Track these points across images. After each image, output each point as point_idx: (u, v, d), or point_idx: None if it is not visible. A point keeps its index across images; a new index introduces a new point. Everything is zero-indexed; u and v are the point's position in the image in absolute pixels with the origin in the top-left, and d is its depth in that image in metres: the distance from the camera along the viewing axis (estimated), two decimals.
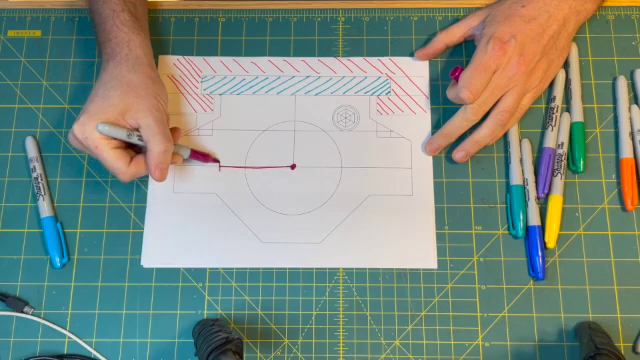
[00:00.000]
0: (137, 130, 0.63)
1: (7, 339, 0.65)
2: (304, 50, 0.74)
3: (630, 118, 0.70)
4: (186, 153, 0.67)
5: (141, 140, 0.63)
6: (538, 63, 0.67)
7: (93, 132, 0.61)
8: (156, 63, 0.73)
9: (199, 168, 0.70)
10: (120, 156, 0.62)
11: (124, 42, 0.67)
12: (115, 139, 0.63)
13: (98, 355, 0.65)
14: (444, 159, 0.70)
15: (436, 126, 0.71)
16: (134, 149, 0.65)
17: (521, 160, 0.69)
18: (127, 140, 0.63)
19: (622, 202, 0.68)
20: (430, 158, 0.70)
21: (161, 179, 0.63)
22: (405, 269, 0.67)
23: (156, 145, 0.62)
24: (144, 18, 0.72)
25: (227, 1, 0.77)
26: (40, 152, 0.71)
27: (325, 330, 0.65)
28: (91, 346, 0.65)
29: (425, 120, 0.72)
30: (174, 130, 0.68)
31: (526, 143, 0.70)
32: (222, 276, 0.67)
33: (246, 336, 0.65)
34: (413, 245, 0.67)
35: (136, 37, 0.67)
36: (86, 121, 0.62)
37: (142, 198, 0.69)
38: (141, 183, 0.70)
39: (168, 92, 0.72)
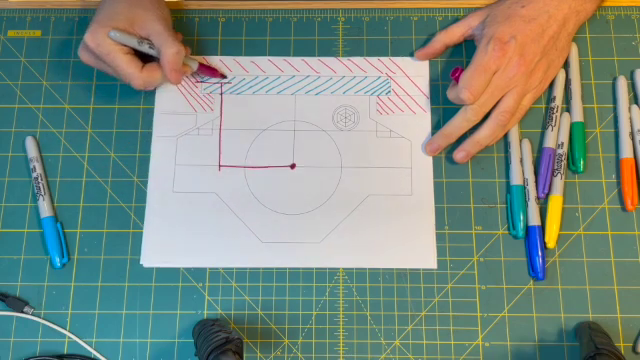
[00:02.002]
0: (146, 39, 0.66)
1: (7, 339, 0.65)
2: (304, 50, 0.74)
3: (630, 118, 0.70)
4: (194, 65, 0.70)
5: (152, 48, 0.67)
6: (538, 63, 0.67)
7: (105, 39, 0.65)
8: None
9: (199, 167, 0.70)
10: (133, 61, 0.66)
11: None
12: (126, 46, 0.66)
13: (98, 355, 0.65)
14: (444, 159, 0.70)
15: (436, 126, 0.71)
16: (143, 60, 0.68)
17: (521, 160, 0.69)
18: (138, 47, 0.66)
19: (622, 202, 0.68)
20: (430, 158, 0.70)
21: (176, 81, 0.67)
22: (405, 269, 0.67)
23: (169, 48, 0.65)
24: None
25: (227, 1, 0.77)
26: (40, 152, 0.71)
27: (325, 330, 0.65)
28: (91, 346, 0.65)
29: (425, 120, 0.72)
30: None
31: (526, 143, 0.70)
32: (222, 276, 0.67)
33: (246, 336, 0.65)
34: (413, 245, 0.67)
35: None
36: (97, 28, 0.65)
37: (142, 198, 0.69)
38: (141, 183, 0.70)
39: (168, 92, 0.73)
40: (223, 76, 0.72)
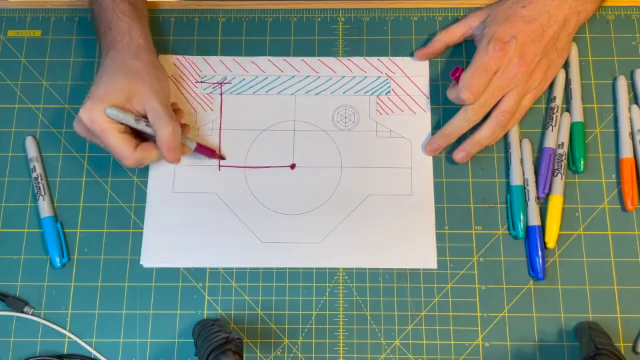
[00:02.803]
0: (143, 117, 0.64)
1: (7, 339, 0.65)
2: (304, 50, 0.74)
3: (630, 118, 0.70)
4: (192, 145, 0.67)
5: (148, 126, 0.63)
6: (538, 64, 0.67)
7: (100, 116, 0.62)
8: None
9: (199, 167, 0.70)
10: (127, 140, 0.63)
11: (125, 31, 0.67)
12: (122, 124, 0.63)
13: (98, 355, 0.65)
14: (444, 159, 0.70)
15: (436, 126, 0.71)
16: (138, 137, 0.65)
17: (521, 160, 0.69)
18: (134, 125, 0.63)
19: (622, 202, 0.68)
20: (430, 158, 0.70)
21: (174, 160, 0.64)
22: (405, 269, 0.67)
23: (164, 128, 0.63)
24: (143, 7, 0.73)
25: (227, 1, 0.77)
26: (40, 152, 0.71)
27: (325, 330, 0.65)
28: (91, 346, 0.65)
29: (425, 120, 0.72)
30: (183, 126, 0.68)
31: (526, 143, 0.70)
32: (222, 276, 0.67)
33: (246, 336, 0.65)
34: (413, 245, 0.67)
35: (136, 25, 0.68)
36: (93, 105, 0.62)
37: (142, 198, 0.69)
38: (141, 183, 0.70)
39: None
40: (222, 157, 0.70)
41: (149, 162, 0.65)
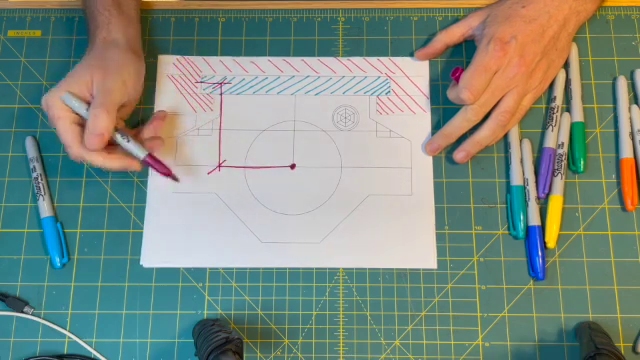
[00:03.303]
0: None
1: (7, 339, 0.65)
2: (304, 50, 0.74)
3: (630, 118, 0.70)
4: (141, 154, 0.64)
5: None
6: (538, 64, 0.67)
7: (56, 102, 0.62)
8: (155, 63, 0.73)
9: (199, 167, 0.70)
10: (76, 132, 0.62)
11: (104, 25, 0.68)
12: (77, 114, 0.63)
13: (98, 355, 0.65)
14: (444, 159, 0.70)
15: (436, 126, 0.71)
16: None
17: (521, 160, 0.69)
18: (84, 114, 0.62)
19: (622, 202, 0.68)
20: (430, 158, 0.70)
21: (89, 146, 0.61)
22: (405, 269, 0.67)
23: (92, 109, 0.61)
24: (130, 3, 0.72)
25: (227, 1, 0.77)
26: (40, 152, 0.71)
27: (325, 330, 0.65)
28: (91, 346, 0.65)
29: (425, 120, 0.72)
30: (155, 139, 0.66)
31: (526, 143, 0.70)
32: (222, 276, 0.67)
33: (246, 336, 0.65)
34: (413, 245, 0.67)
35: (116, 20, 0.68)
36: (53, 92, 0.63)
37: (142, 198, 0.69)
38: (141, 183, 0.70)
39: (168, 92, 0.72)
40: (175, 179, 0.65)
41: (93, 162, 0.63)
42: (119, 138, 0.63)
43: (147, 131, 0.67)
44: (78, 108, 0.63)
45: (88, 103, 0.63)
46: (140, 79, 0.68)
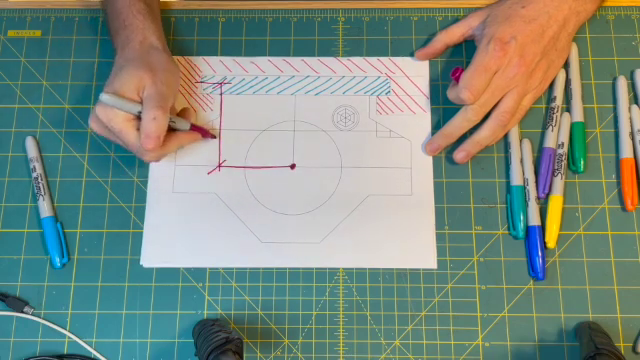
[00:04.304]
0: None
1: (7, 339, 0.65)
2: (304, 50, 0.74)
3: (630, 118, 0.70)
4: (186, 126, 0.67)
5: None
6: (538, 64, 0.67)
7: (117, 114, 0.62)
8: None
9: (199, 167, 0.70)
10: (136, 129, 0.63)
11: (139, 29, 0.68)
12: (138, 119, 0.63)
13: (98, 355, 0.65)
14: (444, 159, 0.70)
15: (436, 126, 0.71)
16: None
17: (521, 160, 0.69)
18: (130, 110, 0.63)
19: (622, 202, 0.68)
20: (430, 158, 0.70)
21: (148, 147, 0.62)
22: (405, 269, 0.67)
23: (148, 111, 0.62)
24: (157, 8, 0.73)
25: (227, 1, 0.77)
26: (40, 152, 0.71)
27: (325, 330, 0.65)
28: (91, 346, 0.65)
29: (425, 120, 0.72)
30: (186, 113, 0.70)
31: (526, 143, 0.70)
32: (222, 276, 0.67)
33: (246, 336, 0.65)
34: (413, 245, 0.67)
35: (150, 25, 0.69)
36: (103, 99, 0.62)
37: (142, 198, 0.69)
38: (141, 183, 0.70)
39: None
40: (213, 136, 0.70)
41: (167, 151, 0.66)
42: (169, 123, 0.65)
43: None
44: (121, 105, 0.62)
45: (133, 100, 0.63)
46: (178, 79, 0.69)
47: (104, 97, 0.62)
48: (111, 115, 0.62)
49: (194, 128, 0.68)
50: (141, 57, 0.66)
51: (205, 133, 0.70)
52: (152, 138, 0.62)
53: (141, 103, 0.63)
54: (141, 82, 0.63)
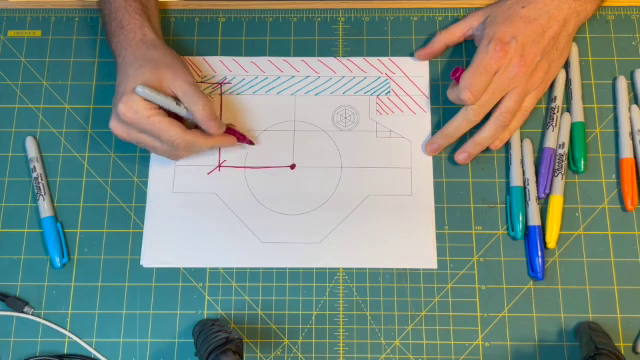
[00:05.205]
0: (175, 99, 0.64)
1: (7, 339, 0.65)
2: (304, 50, 0.74)
3: (630, 118, 0.70)
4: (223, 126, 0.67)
5: (179, 105, 0.64)
6: (539, 64, 0.67)
7: (142, 103, 0.62)
8: None
9: (199, 167, 0.70)
10: (175, 122, 0.63)
11: (137, 28, 0.68)
12: (162, 109, 0.63)
13: (98, 355, 0.65)
14: (444, 159, 0.70)
15: (436, 126, 0.71)
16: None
17: (522, 160, 0.69)
18: (166, 104, 0.63)
19: (622, 202, 0.68)
20: (430, 158, 0.70)
21: (217, 130, 0.64)
22: (405, 269, 0.67)
23: (197, 102, 0.63)
24: (154, 6, 0.73)
25: (227, 1, 0.77)
26: (40, 152, 0.71)
27: (325, 330, 0.65)
28: (91, 346, 0.65)
29: (425, 120, 0.72)
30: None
31: (527, 143, 0.70)
32: (222, 276, 0.67)
33: (246, 336, 0.65)
34: (413, 245, 0.67)
35: (148, 23, 0.69)
36: (131, 97, 0.62)
37: (142, 198, 0.69)
38: (141, 183, 0.70)
39: None
40: (251, 142, 0.70)
41: (199, 148, 0.66)
42: None
43: None
44: (158, 99, 0.63)
45: (164, 93, 0.63)
46: (188, 66, 0.69)
47: (140, 89, 0.62)
48: (136, 107, 0.62)
49: (229, 131, 0.68)
50: (149, 54, 0.66)
51: (242, 138, 0.69)
52: (214, 120, 0.64)
53: (174, 98, 0.64)
54: (164, 80, 0.64)
